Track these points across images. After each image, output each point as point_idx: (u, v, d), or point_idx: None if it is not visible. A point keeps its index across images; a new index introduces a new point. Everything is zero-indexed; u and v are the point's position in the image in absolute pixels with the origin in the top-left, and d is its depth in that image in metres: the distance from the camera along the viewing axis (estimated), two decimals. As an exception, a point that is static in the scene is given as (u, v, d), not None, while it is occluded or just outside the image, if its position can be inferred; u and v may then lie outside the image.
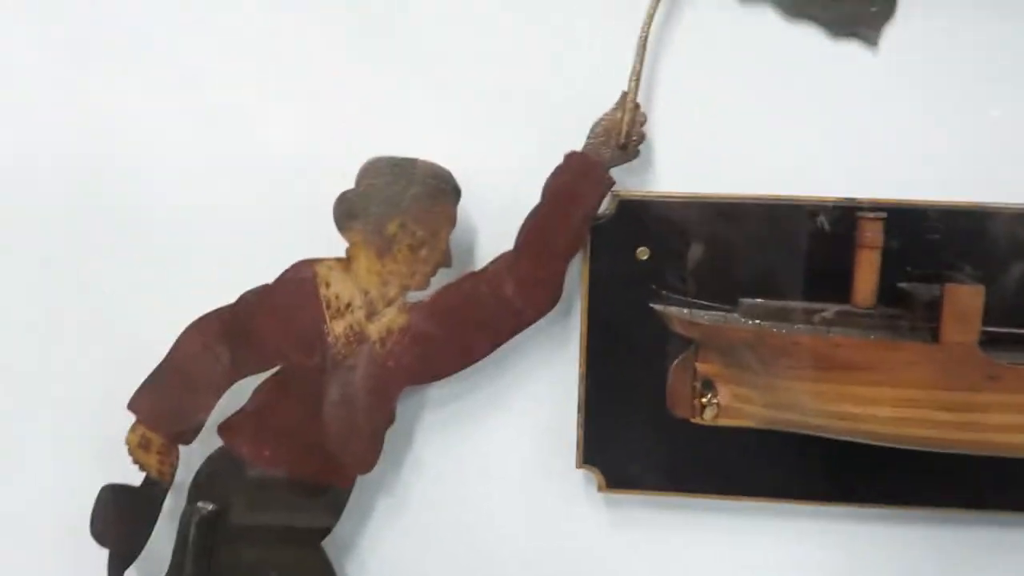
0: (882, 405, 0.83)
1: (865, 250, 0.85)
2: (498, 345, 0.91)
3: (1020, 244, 0.85)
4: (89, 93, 0.96)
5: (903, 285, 0.85)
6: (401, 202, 0.87)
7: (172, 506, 0.97)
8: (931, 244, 0.85)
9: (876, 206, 0.85)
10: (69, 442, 1.03)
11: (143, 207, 0.97)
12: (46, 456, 1.04)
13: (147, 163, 0.96)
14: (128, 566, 0.96)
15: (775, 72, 0.88)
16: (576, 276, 0.90)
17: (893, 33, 0.87)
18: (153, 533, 0.96)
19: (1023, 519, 0.94)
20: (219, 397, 0.92)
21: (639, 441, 0.93)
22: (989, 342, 0.82)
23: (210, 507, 0.95)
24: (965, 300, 0.81)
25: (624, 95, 0.86)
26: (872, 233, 0.84)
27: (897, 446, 0.85)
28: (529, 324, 0.90)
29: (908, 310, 0.84)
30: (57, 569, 1.03)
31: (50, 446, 1.04)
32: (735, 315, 0.87)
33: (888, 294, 0.85)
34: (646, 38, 0.85)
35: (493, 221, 0.91)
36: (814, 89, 0.88)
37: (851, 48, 0.87)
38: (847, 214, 0.85)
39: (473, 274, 0.89)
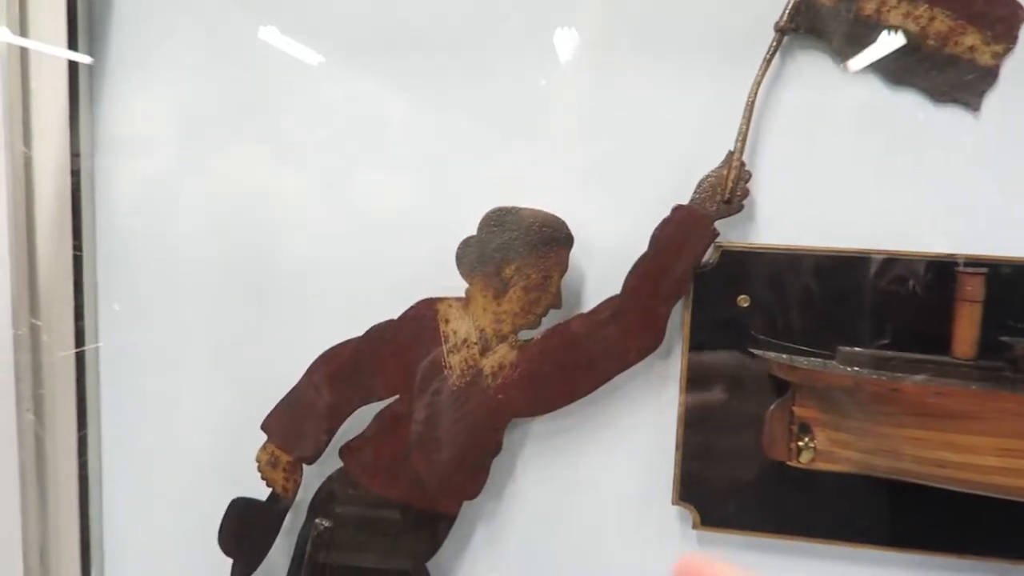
0: (983, 454, 0.85)
1: (965, 303, 0.88)
2: (601, 383, 0.96)
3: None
4: (228, 166, 1.08)
5: (1005, 339, 0.88)
6: (518, 248, 0.94)
7: (289, 524, 1.05)
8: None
9: (976, 261, 0.88)
10: (210, 460, 1.13)
11: (285, 257, 1.08)
12: (190, 471, 1.14)
13: (280, 222, 1.07)
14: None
15: (877, 134, 0.93)
16: (678, 320, 0.96)
17: (994, 99, 0.91)
18: (272, 547, 1.04)
19: None
20: (342, 422, 1.00)
21: (735, 481, 0.97)
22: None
23: (326, 524, 1.02)
24: (1068, 355, 0.83)
25: (731, 154, 0.92)
26: (972, 287, 0.87)
27: (997, 496, 0.86)
28: (632, 364, 0.95)
29: (1010, 363, 0.87)
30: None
31: (194, 462, 1.14)
32: (833, 362, 0.91)
33: (988, 348, 0.88)
34: (753, 102, 0.91)
35: (602, 267, 0.97)
36: (916, 150, 0.93)
37: (953, 112, 0.91)
38: (947, 269, 0.89)
39: (581, 316, 0.96)
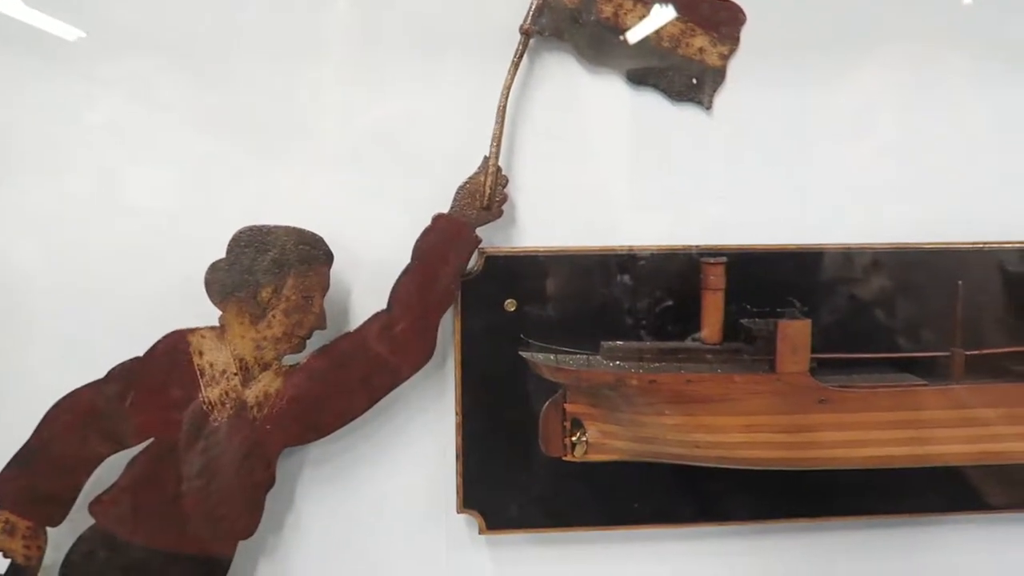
0: (730, 432, 0.92)
1: (709, 292, 0.94)
2: (376, 401, 0.93)
3: (841, 279, 0.96)
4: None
5: (744, 321, 0.94)
6: (272, 269, 0.88)
7: (42, 591, 0.93)
8: (766, 283, 0.95)
9: (716, 251, 0.94)
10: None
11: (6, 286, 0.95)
12: None
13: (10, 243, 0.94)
14: (-4, 659, 0.92)
15: (623, 133, 0.97)
16: (449, 330, 0.95)
17: (725, 96, 0.97)
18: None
19: (863, 523, 1.04)
20: (89, 475, 0.90)
21: (516, 483, 0.98)
22: (820, 366, 0.93)
23: (84, 588, 0.91)
24: (795, 334, 0.92)
25: (486, 159, 0.91)
26: (715, 276, 0.93)
27: (746, 468, 0.94)
28: (405, 379, 0.93)
29: (750, 344, 0.94)
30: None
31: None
32: (597, 358, 0.94)
33: (734, 331, 0.94)
34: (504, 107, 0.91)
35: (367, 282, 0.94)
36: (658, 148, 0.97)
37: (690, 111, 0.96)
38: (694, 260, 0.94)
39: (348, 334, 0.92)
